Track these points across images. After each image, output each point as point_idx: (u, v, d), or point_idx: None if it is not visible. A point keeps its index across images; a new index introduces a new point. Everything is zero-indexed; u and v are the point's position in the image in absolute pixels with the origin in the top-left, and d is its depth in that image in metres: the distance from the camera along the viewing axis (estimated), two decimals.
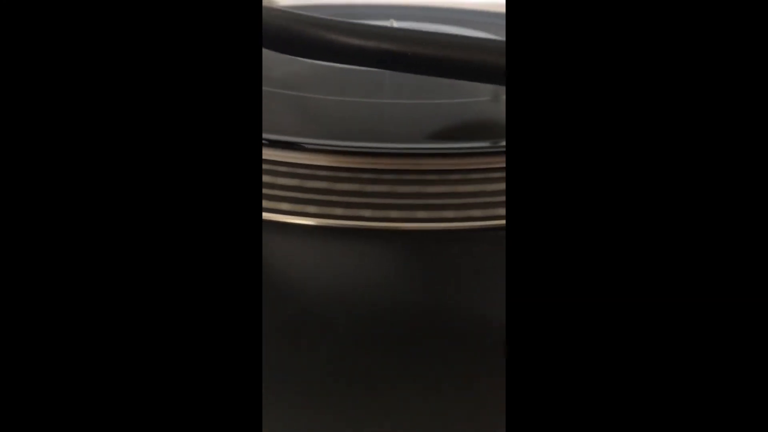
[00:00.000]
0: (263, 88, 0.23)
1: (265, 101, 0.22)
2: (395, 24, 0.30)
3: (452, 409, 0.13)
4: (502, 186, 0.19)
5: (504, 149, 0.20)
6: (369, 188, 0.19)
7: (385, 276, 0.17)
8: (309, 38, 0.17)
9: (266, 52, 0.17)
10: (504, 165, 0.19)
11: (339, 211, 0.19)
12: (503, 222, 0.19)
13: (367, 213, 0.19)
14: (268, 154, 0.19)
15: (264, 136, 0.19)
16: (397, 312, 0.16)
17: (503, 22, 0.35)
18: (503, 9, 0.37)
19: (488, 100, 0.24)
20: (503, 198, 0.19)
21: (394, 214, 0.19)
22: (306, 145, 0.19)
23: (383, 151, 0.19)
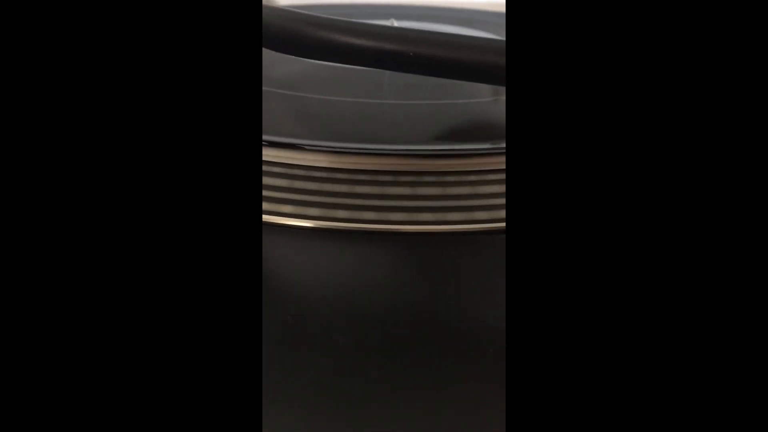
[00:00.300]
0: (262, 88, 0.23)
1: (264, 101, 0.22)
2: (396, 23, 0.30)
3: (453, 412, 0.13)
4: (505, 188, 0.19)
5: (504, 150, 0.20)
6: (371, 190, 0.19)
7: (387, 279, 0.17)
8: (308, 38, 0.17)
9: (265, 52, 0.17)
10: (504, 166, 0.19)
11: (341, 213, 0.19)
12: None
13: (370, 215, 0.18)
14: (268, 155, 0.19)
15: (263, 137, 0.19)
16: (400, 315, 0.16)
17: (502, 21, 0.35)
18: (504, 8, 0.37)
19: (490, 100, 0.24)
20: None
21: (396, 216, 0.18)
22: (307, 146, 0.19)
23: (386, 152, 0.19)
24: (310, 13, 0.18)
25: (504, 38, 0.16)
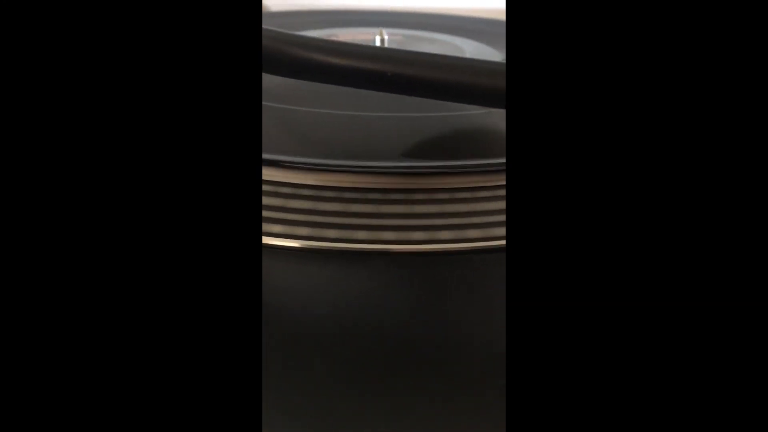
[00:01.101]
0: None
1: None
2: (385, 32, 0.30)
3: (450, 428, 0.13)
4: (500, 205, 0.19)
5: (499, 166, 0.19)
6: (360, 208, 0.18)
7: (378, 299, 0.17)
8: (292, 58, 0.17)
9: None
10: (499, 183, 0.19)
11: (330, 233, 0.18)
12: (502, 242, 0.18)
13: (360, 235, 0.18)
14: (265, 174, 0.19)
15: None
16: (391, 335, 0.15)
17: (496, 30, 0.34)
18: (497, 16, 0.37)
19: (481, 113, 0.23)
20: (501, 217, 0.19)
21: (387, 235, 0.18)
22: (294, 164, 0.19)
23: (376, 169, 0.19)
24: (303, 17, 0.17)
25: (499, 55, 0.15)
